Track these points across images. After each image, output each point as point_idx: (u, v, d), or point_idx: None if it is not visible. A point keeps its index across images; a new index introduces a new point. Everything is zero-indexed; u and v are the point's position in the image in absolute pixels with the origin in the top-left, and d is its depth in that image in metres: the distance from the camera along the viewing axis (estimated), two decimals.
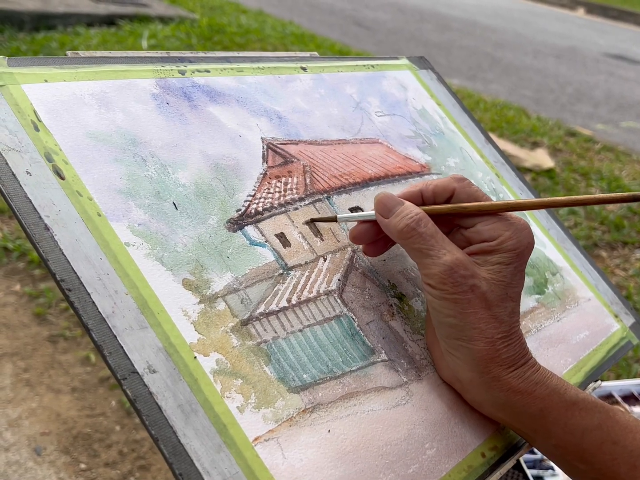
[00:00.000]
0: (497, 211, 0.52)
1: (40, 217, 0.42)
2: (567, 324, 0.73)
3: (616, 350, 0.78)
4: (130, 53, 0.55)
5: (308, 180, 0.61)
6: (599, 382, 0.74)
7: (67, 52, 0.53)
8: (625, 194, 0.48)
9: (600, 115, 4.50)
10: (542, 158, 2.87)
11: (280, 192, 0.58)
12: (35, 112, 0.47)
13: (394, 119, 0.75)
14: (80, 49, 3.33)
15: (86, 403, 1.63)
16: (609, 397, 1.16)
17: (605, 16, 10.85)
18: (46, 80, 0.49)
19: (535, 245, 0.77)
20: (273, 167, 0.59)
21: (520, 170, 2.81)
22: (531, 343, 0.67)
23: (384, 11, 7.47)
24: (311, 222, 0.58)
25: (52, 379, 1.69)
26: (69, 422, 1.58)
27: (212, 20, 4.33)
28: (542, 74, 5.58)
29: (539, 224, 0.80)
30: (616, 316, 0.81)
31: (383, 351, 0.56)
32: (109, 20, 3.78)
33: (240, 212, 0.53)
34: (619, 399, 1.15)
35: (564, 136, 3.31)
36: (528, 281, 0.73)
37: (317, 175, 0.62)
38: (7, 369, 1.69)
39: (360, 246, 0.60)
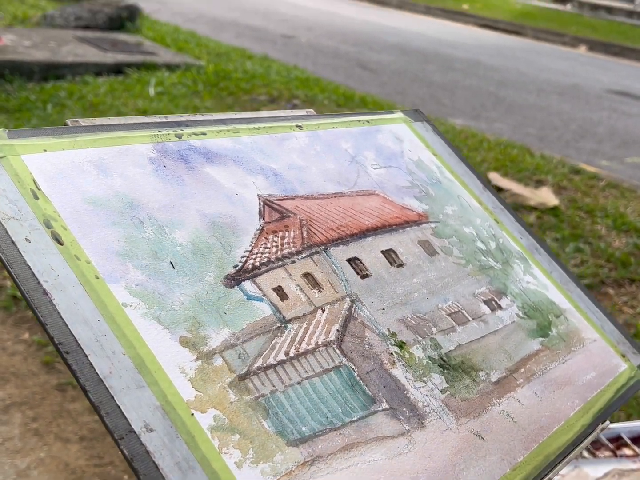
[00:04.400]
0: None
1: (39, 283, 0.44)
2: (573, 365, 0.73)
3: (625, 390, 0.78)
4: (129, 119, 0.57)
5: (305, 233, 0.62)
6: (607, 422, 0.74)
7: (66, 120, 0.55)
8: None
9: (604, 152, 4.52)
10: (546, 196, 2.88)
11: (277, 246, 0.59)
12: (34, 181, 0.49)
13: (390, 171, 0.76)
14: (88, 98, 3.41)
15: (95, 452, 1.62)
16: (617, 439, 1.15)
17: (607, 53, 10.97)
18: (45, 150, 0.51)
19: (537, 288, 0.78)
20: (270, 222, 0.60)
21: (525, 208, 2.82)
22: (537, 386, 0.67)
23: (387, 53, 7.59)
24: (309, 275, 0.59)
25: (60, 427, 1.69)
26: (78, 472, 1.57)
27: (218, 67, 4.42)
28: (546, 111, 5.63)
29: (540, 267, 0.81)
30: (623, 356, 0.81)
31: (384, 400, 0.56)
32: (117, 69, 3.87)
33: (237, 268, 0.55)
34: (628, 441, 1.14)
35: (569, 174, 3.33)
36: (531, 324, 0.73)
37: (314, 228, 0.63)
38: (16, 418, 1.69)
39: (359, 296, 0.61)
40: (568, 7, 17.83)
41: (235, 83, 4.14)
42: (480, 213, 0.81)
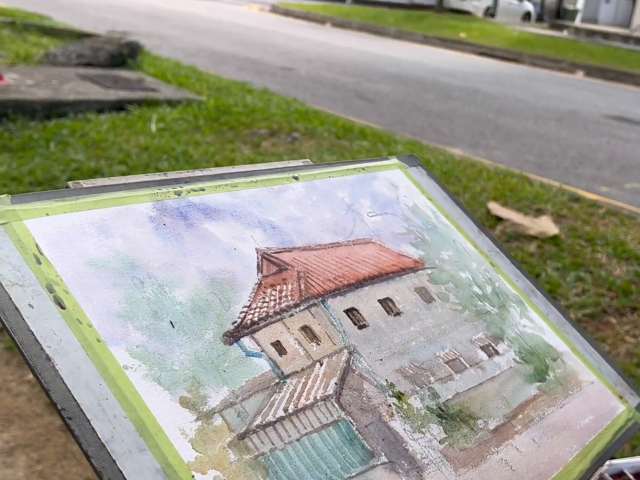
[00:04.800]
0: None
1: (42, 349, 0.45)
2: (571, 409, 0.74)
3: (623, 432, 0.78)
4: (130, 179, 0.59)
5: (302, 285, 0.63)
6: (606, 467, 0.74)
7: (68, 183, 0.56)
8: None
9: (604, 178, 4.54)
10: (546, 225, 2.90)
11: (275, 300, 0.60)
12: (37, 245, 0.50)
13: (386, 218, 0.78)
14: (90, 135, 3.45)
15: None
16: (620, 474, 1.14)
17: (604, 78, 11.07)
18: (47, 214, 0.52)
19: (534, 332, 0.78)
20: (268, 276, 0.61)
21: (525, 238, 2.83)
22: (535, 432, 0.68)
23: (386, 83, 7.67)
24: (307, 328, 0.60)
25: (65, 469, 1.68)
26: None
27: (218, 102, 4.47)
28: (544, 138, 5.67)
29: (537, 310, 0.82)
30: (621, 397, 0.81)
31: (383, 453, 0.57)
32: (119, 106, 3.92)
33: (236, 324, 0.56)
34: (631, 477, 1.13)
35: (568, 202, 3.34)
36: (528, 369, 0.74)
37: (312, 280, 0.64)
38: (20, 461, 1.69)
39: (357, 347, 0.61)
40: (564, 33, 18.05)
41: (235, 117, 4.19)
42: (476, 257, 0.82)
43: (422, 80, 8.29)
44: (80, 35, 5.87)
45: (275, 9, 17.47)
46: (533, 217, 3.02)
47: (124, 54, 4.87)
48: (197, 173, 0.66)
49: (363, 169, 0.82)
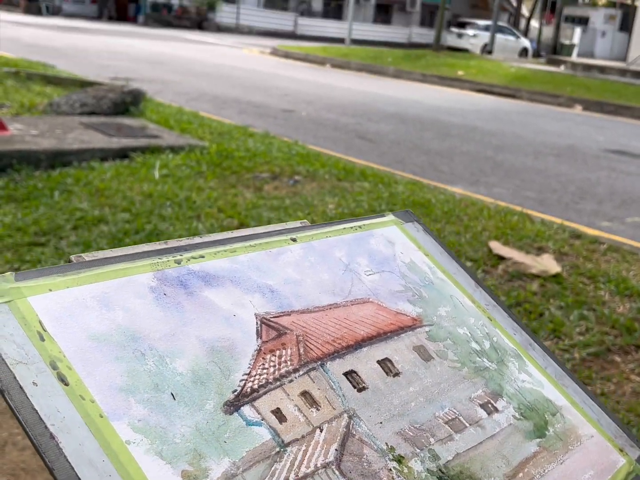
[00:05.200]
0: None
1: (46, 427, 0.46)
2: (571, 465, 0.74)
3: None
4: (130, 249, 0.61)
5: (302, 349, 0.64)
6: None
7: (70, 257, 0.58)
8: None
9: (605, 212, 4.56)
10: (548, 263, 2.91)
11: (275, 366, 0.61)
12: (40, 322, 0.51)
13: (383, 276, 0.79)
14: (94, 184, 3.49)
15: None
16: None
17: (602, 111, 11.18)
18: (50, 290, 0.54)
19: (533, 387, 0.79)
20: (267, 341, 0.63)
21: (528, 277, 2.83)
22: None
23: (385, 123, 7.76)
24: (306, 393, 0.60)
25: None
26: None
27: (220, 146, 4.53)
28: (544, 174, 5.71)
29: (535, 364, 0.83)
30: (621, 450, 0.81)
31: None
32: (122, 154, 3.97)
33: (236, 393, 0.56)
34: None
35: (569, 239, 3.36)
36: (528, 425, 0.74)
37: (311, 343, 0.65)
38: None
39: (357, 411, 0.62)
40: (561, 68, 18.28)
41: (237, 162, 4.23)
42: (473, 312, 0.83)
43: (421, 118, 8.38)
44: (84, 84, 5.97)
45: (275, 52, 17.77)
46: (535, 256, 3.02)
47: (127, 102, 4.95)
48: (197, 240, 0.67)
49: (360, 227, 0.84)
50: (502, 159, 6.18)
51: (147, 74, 9.90)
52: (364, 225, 0.84)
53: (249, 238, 0.72)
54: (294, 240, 0.75)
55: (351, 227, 0.83)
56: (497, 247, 3.08)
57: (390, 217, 0.89)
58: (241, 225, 3.21)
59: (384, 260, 0.81)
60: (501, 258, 3.00)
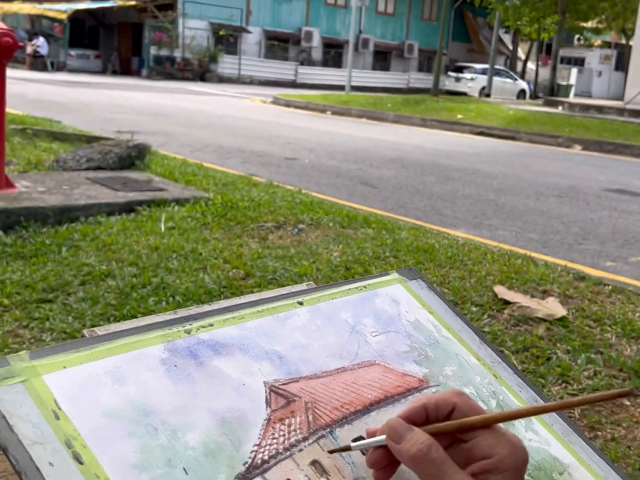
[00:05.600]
0: (501, 422, 0.58)
1: None
2: None
3: None
4: (142, 321, 0.62)
5: (310, 417, 0.65)
6: None
7: (83, 332, 0.60)
8: (614, 391, 0.54)
9: (608, 253, 4.57)
10: (554, 307, 2.91)
11: (284, 435, 0.62)
12: (55, 401, 0.53)
13: (389, 336, 0.80)
14: (101, 238, 3.52)
15: None
16: None
17: (601, 151, 11.27)
18: (65, 367, 0.55)
19: (540, 445, 0.79)
20: (276, 410, 0.64)
21: (534, 321, 2.83)
22: None
23: (387, 168, 7.84)
24: (316, 462, 0.61)
25: None
26: None
27: (225, 197, 4.58)
28: (546, 215, 5.74)
29: (541, 421, 0.83)
30: None
31: None
32: (129, 208, 4.02)
33: (247, 465, 0.57)
34: None
35: (574, 281, 3.36)
36: None
37: (319, 410, 0.66)
38: None
39: (366, 478, 0.62)
40: (560, 109, 18.51)
41: (242, 212, 4.28)
42: (479, 370, 0.83)
43: (423, 163, 8.47)
44: (89, 139, 6.08)
45: (276, 101, 18.06)
46: (540, 299, 3.03)
47: (132, 156, 5.03)
48: (206, 308, 0.69)
49: (365, 287, 0.85)
50: (504, 201, 6.22)
51: (151, 126, 10.07)
52: (368, 285, 0.86)
53: (257, 303, 0.73)
54: (300, 303, 0.77)
55: (356, 288, 0.84)
56: (502, 291, 3.09)
57: (394, 275, 0.90)
58: (247, 276, 3.23)
59: (390, 320, 0.82)
60: (507, 302, 3.00)
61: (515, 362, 2.51)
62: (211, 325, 0.68)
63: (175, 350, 0.63)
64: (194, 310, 0.69)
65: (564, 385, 2.34)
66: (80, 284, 2.98)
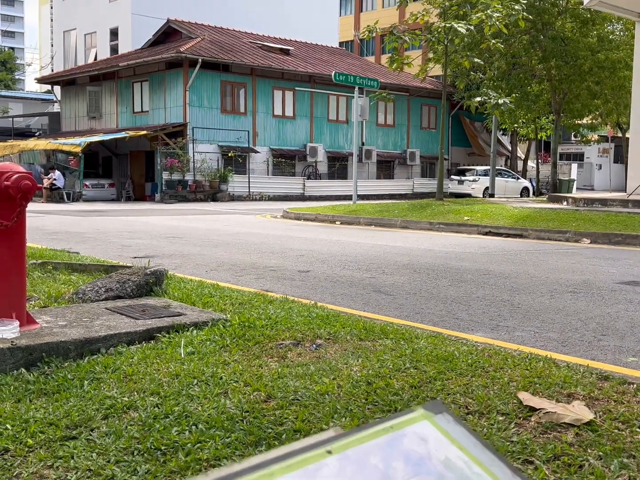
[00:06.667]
0: None
1: None
2: None
3: None
4: None
5: None
6: None
7: None
8: None
9: (629, 347, 4.54)
10: (580, 410, 2.87)
11: None
12: None
13: (420, 479, 0.83)
14: (122, 369, 3.56)
15: None
16: None
17: (610, 243, 11.35)
18: None
19: None
20: None
21: (562, 426, 2.79)
22: None
23: (400, 274, 7.91)
24: None
25: None
26: None
27: (242, 317, 4.63)
28: (563, 312, 5.73)
29: None
30: None
31: None
32: (148, 335, 4.07)
33: None
34: None
35: (598, 381, 3.33)
36: None
37: None
38: None
39: None
40: (564, 204, 18.81)
41: (260, 331, 4.32)
42: None
43: (434, 266, 8.55)
44: (107, 268, 6.23)
45: (286, 215, 18.49)
46: (566, 403, 3.00)
47: (150, 282, 5.15)
48: (236, 467, 0.73)
49: (391, 427, 0.89)
50: (519, 300, 6.23)
51: (166, 249, 10.30)
52: (395, 424, 0.89)
53: (286, 457, 0.77)
54: (329, 452, 0.80)
55: (383, 429, 0.88)
56: (527, 397, 3.06)
57: (419, 411, 0.94)
58: (268, 398, 3.22)
59: (420, 461, 0.85)
60: (532, 409, 2.97)
61: (547, 472, 2.46)
62: None
63: None
64: (225, 470, 0.72)
65: None
66: (103, 417, 2.99)
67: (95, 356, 3.79)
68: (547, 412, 2.91)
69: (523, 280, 7.50)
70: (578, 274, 7.93)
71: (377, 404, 3.14)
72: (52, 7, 55.48)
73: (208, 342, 4.08)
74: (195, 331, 4.27)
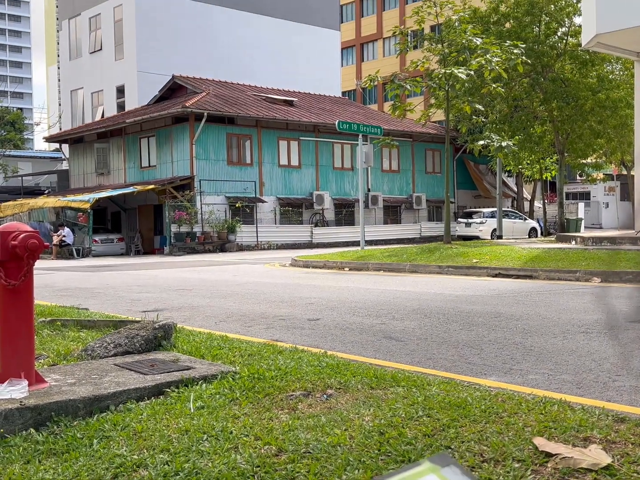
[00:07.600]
0: None
1: None
2: None
3: None
4: None
5: None
6: None
7: None
8: None
9: None
10: (597, 455, 2.81)
11: None
12: None
13: None
14: (132, 426, 3.52)
15: None
16: None
17: (621, 281, 11.28)
18: None
19: None
20: None
21: (579, 472, 2.73)
22: None
23: (410, 319, 7.86)
24: None
25: None
26: None
27: (251, 369, 4.60)
28: (576, 353, 5.67)
29: None
30: None
31: None
32: (157, 391, 4.04)
33: None
34: None
35: (614, 424, 3.27)
36: None
37: None
38: None
39: None
40: (573, 243, 18.77)
41: (269, 383, 4.28)
42: None
43: (444, 310, 8.50)
44: (116, 324, 6.22)
45: (295, 263, 18.51)
46: (582, 448, 2.94)
47: (159, 337, 5.13)
48: None
49: None
50: (531, 343, 6.17)
51: (175, 301, 10.30)
52: (402, 478, 0.88)
53: None
54: None
55: None
56: (542, 443, 3.01)
57: (426, 464, 0.93)
58: (279, 452, 3.17)
59: None
60: (549, 454, 2.91)
61: None
62: None
63: None
64: None
65: None
66: (112, 477, 2.95)
67: (105, 413, 3.76)
68: (563, 458, 2.85)
69: (535, 321, 7.43)
70: (590, 314, 7.86)
71: (390, 454, 3.08)
72: (59, 67, 56.98)
73: (217, 396, 4.04)
74: (204, 385, 4.23)
